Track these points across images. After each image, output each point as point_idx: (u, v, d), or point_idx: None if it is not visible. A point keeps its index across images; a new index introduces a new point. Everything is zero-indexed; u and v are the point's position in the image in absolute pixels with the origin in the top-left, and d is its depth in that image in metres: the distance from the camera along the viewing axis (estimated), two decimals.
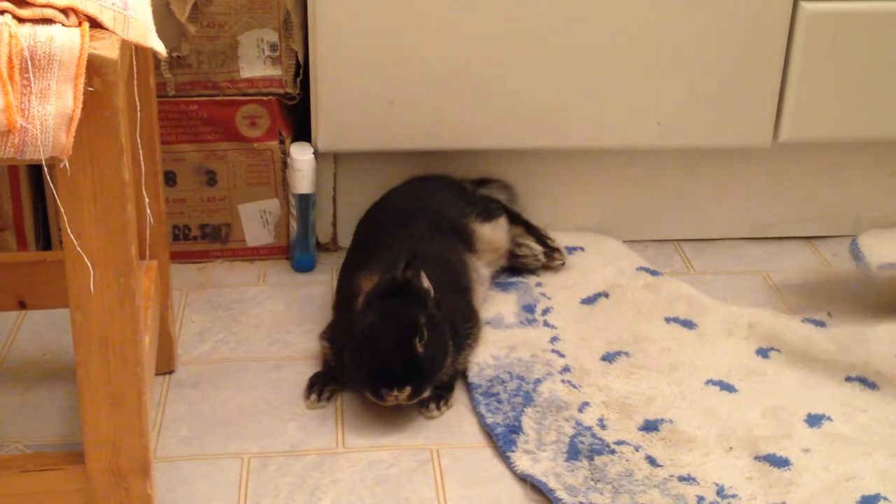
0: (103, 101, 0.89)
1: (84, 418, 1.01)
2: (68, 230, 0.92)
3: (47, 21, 0.88)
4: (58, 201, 0.91)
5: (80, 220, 0.93)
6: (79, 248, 0.92)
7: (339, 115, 1.65)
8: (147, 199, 1.19)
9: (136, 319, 0.98)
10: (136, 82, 1.08)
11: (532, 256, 1.67)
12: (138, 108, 1.08)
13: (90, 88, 0.88)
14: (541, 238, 1.69)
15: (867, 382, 1.44)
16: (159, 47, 0.96)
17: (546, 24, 1.62)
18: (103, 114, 0.90)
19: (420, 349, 1.32)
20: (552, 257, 1.68)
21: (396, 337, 1.32)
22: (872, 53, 1.68)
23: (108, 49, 0.89)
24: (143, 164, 1.13)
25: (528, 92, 1.66)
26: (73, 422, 1.35)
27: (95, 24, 0.91)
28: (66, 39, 0.87)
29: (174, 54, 1.61)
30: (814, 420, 1.36)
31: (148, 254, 1.33)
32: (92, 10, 0.90)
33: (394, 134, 1.67)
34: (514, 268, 1.67)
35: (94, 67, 0.88)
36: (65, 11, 0.89)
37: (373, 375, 1.33)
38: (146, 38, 0.94)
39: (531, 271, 1.68)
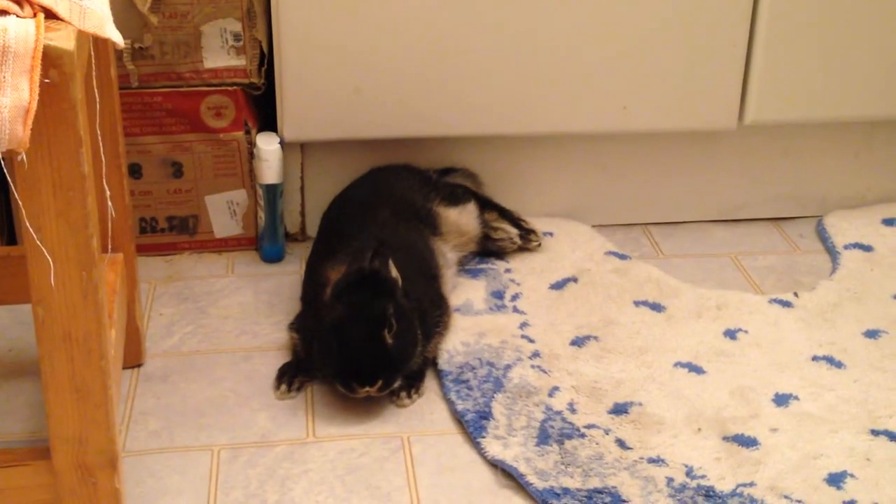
0: (60, 93, 0.89)
1: (49, 413, 1.00)
2: (27, 224, 0.91)
3: (1, 12, 0.87)
4: (16, 195, 0.90)
5: (40, 213, 0.92)
6: (38, 242, 0.91)
7: (305, 105, 1.64)
8: (109, 192, 1.18)
9: (99, 313, 0.98)
10: (95, 73, 1.07)
11: (508, 239, 1.67)
12: (98, 100, 1.07)
13: (46, 80, 0.87)
14: (515, 221, 1.70)
15: (834, 361, 1.45)
16: (116, 38, 0.95)
17: (510, 10, 1.62)
18: (61, 106, 0.89)
19: (389, 340, 1.32)
20: (528, 239, 1.69)
21: (365, 329, 1.32)
22: (836, 34, 1.69)
23: (63, 40, 0.88)
24: (104, 156, 1.12)
25: (494, 79, 1.66)
26: (40, 417, 1.34)
27: (51, 14, 0.90)
28: (20, 30, 0.86)
29: (136, 45, 1.59)
30: (781, 399, 1.38)
31: (113, 247, 1.32)
32: (47, 1, 0.89)
33: (360, 122, 1.66)
34: (489, 252, 1.68)
35: (50, 59, 0.87)
36: (19, 2, 0.88)
37: (343, 369, 1.33)
38: (103, 29, 0.93)
39: (507, 254, 1.68)
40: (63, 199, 0.92)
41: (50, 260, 0.92)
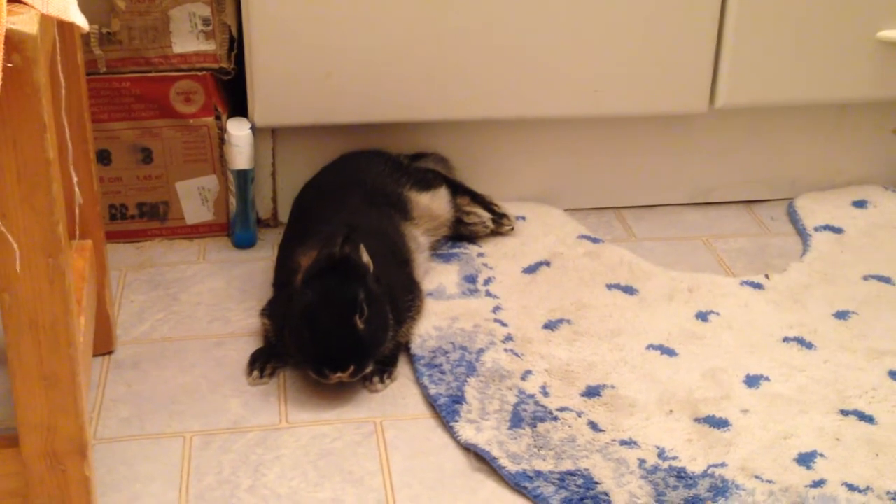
0: (23, 78, 0.88)
1: (17, 401, 0.99)
2: None
3: None
4: None
5: (5, 199, 0.91)
6: (3, 229, 0.90)
7: (276, 90, 1.63)
8: (77, 178, 1.17)
9: (67, 299, 0.97)
10: (60, 58, 1.06)
11: (481, 224, 1.67)
12: (64, 85, 1.06)
13: (9, 65, 0.86)
14: (487, 205, 1.70)
15: (804, 342, 1.46)
16: (81, 22, 0.94)
17: None
18: (24, 91, 0.88)
19: (360, 326, 1.31)
20: (500, 223, 1.69)
21: (336, 315, 1.31)
22: (807, 17, 1.70)
23: (26, 24, 0.87)
24: (71, 142, 1.11)
25: (465, 63, 1.65)
26: (9, 405, 1.33)
27: None
28: None
29: (104, 30, 1.58)
30: (752, 381, 1.38)
31: (81, 233, 1.31)
32: None
33: (332, 107, 1.66)
34: (461, 236, 1.68)
35: (13, 43, 0.86)
36: None
37: (314, 355, 1.32)
38: (67, 13, 0.92)
39: (479, 239, 1.68)
40: (28, 184, 0.91)
41: (15, 246, 0.91)
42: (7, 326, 0.96)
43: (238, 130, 1.64)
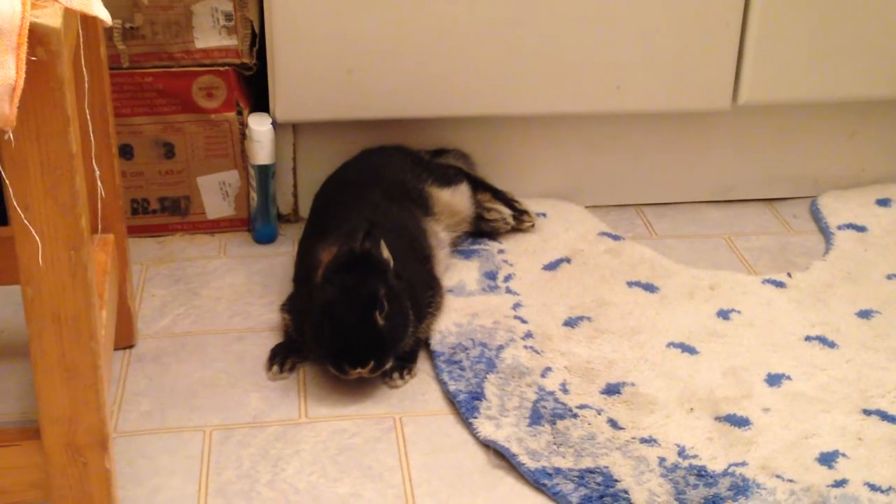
0: (47, 71, 0.88)
1: (38, 393, 1.00)
2: (15, 203, 0.91)
3: None
4: (3, 174, 0.89)
5: (28, 192, 0.91)
6: (26, 222, 0.91)
7: (297, 85, 1.63)
8: (99, 172, 1.17)
9: (89, 293, 0.97)
10: (84, 53, 1.06)
11: (501, 220, 1.67)
12: (87, 80, 1.06)
13: (33, 58, 0.86)
14: (508, 202, 1.69)
15: (826, 341, 1.45)
16: (104, 16, 0.95)
17: None
18: (48, 84, 0.88)
19: (381, 322, 1.32)
20: (521, 220, 1.69)
21: (356, 311, 1.32)
22: (831, 14, 1.68)
23: (50, 17, 0.87)
24: (94, 136, 1.12)
25: (487, 59, 1.65)
26: (32, 398, 1.34)
27: None
28: (6, 7, 0.85)
29: (127, 25, 1.58)
30: (774, 379, 1.38)
31: (103, 228, 1.31)
32: None
33: (353, 103, 1.66)
34: (482, 232, 1.67)
35: (37, 36, 0.86)
36: None
37: (335, 351, 1.33)
38: (90, 7, 0.93)
39: (500, 235, 1.68)
40: (51, 178, 0.91)
41: (38, 239, 0.92)
42: (29, 319, 0.97)
43: (259, 126, 1.64)
